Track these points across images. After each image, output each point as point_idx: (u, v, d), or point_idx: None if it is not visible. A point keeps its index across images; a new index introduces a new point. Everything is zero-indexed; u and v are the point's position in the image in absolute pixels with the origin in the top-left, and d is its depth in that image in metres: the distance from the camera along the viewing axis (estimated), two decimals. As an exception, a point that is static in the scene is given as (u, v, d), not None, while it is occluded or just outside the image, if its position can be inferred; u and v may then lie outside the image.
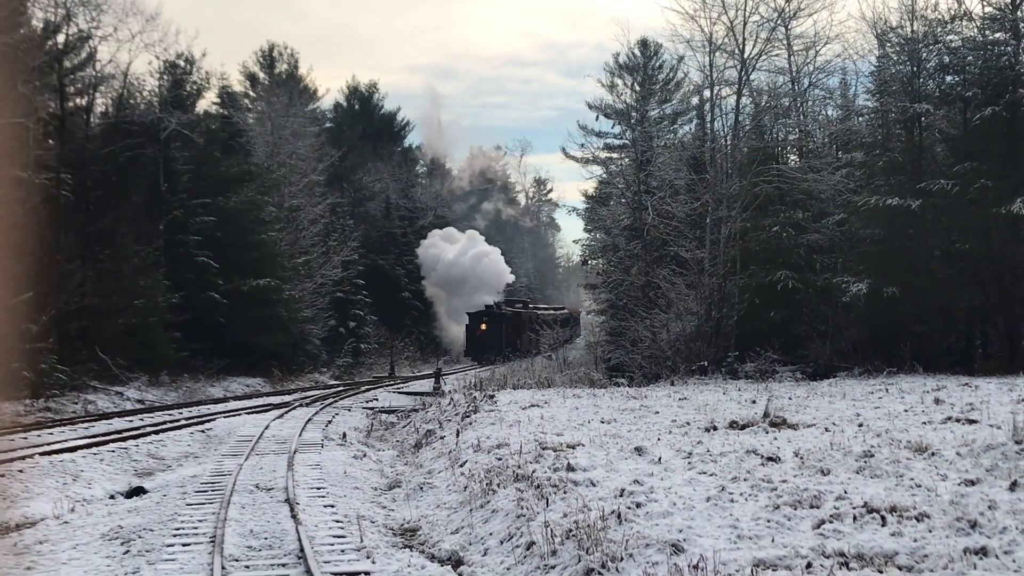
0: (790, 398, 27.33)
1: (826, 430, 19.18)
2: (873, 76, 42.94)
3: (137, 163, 50.52)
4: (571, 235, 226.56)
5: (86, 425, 30.76)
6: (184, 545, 13.60)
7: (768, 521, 11.65)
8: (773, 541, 10.92)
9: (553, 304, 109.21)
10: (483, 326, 77.20)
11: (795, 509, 12.05)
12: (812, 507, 12.13)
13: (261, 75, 78.59)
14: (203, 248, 50.58)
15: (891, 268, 36.97)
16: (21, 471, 20.27)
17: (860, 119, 44.88)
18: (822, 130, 46.36)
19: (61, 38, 46.91)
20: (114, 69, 50.26)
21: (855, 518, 11.48)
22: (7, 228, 38.84)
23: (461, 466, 18.88)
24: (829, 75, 44.94)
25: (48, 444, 24.78)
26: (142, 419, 33.08)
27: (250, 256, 52.98)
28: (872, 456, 15.19)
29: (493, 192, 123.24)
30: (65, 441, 25.53)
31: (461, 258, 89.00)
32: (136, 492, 19.10)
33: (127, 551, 13.62)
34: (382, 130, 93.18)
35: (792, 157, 46.49)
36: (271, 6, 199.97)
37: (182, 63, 54.67)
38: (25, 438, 26.93)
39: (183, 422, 31.13)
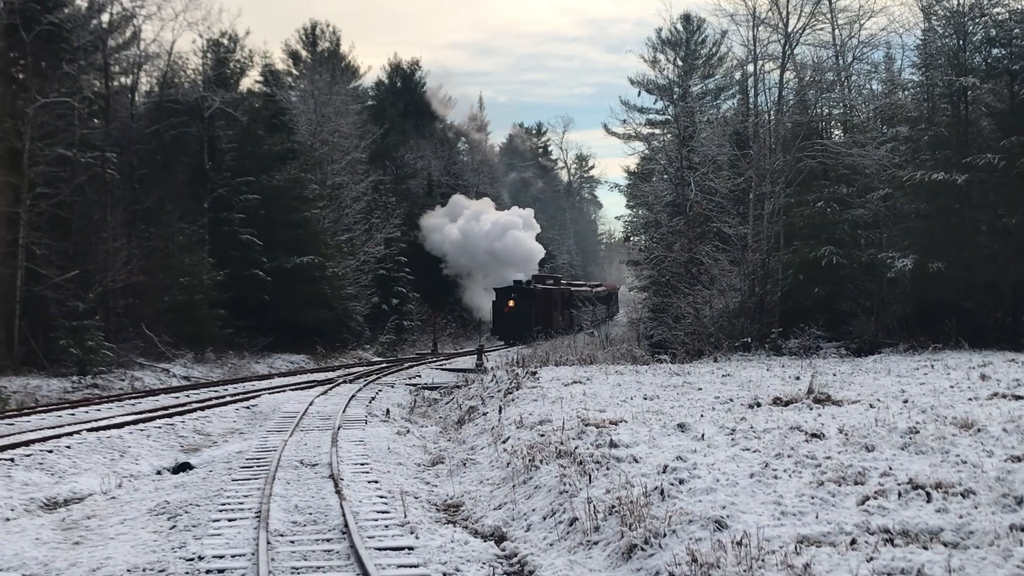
0: (834, 374, 27.19)
1: (871, 406, 19.07)
2: (918, 49, 42.45)
3: (181, 142, 50.85)
4: (613, 212, 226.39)
5: (133, 401, 31.09)
6: (230, 520, 13.72)
7: (812, 498, 11.61)
8: (817, 518, 10.89)
9: (590, 281, 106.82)
10: (511, 303, 71.55)
11: (839, 486, 12.01)
12: (856, 484, 12.08)
13: (304, 53, 78.83)
14: (247, 226, 50.85)
15: (936, 243, 36.64)
16: (69, 447, 20.51)
17: (905, 93, 44.42)
18: (867, 104, 45.92)
19: (106, 17, 47.26)
20: (158, 48, 50.68)
21: (900, 494, 11.43)
22: (54, 206, 39.23)
23: (504, 442, 18.92)
24: (874, 49, 44.56)
25: (95, 420, 25.07)
26: (188, 395, 33.38)
27: (294, 234, 53.22)
28: (917, 432, 15.10)
29: (534, 169, 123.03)
30: (112, 417, 25.81)
31: (476, 233, 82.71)
32: (182, 468, 19.28)
33: (173, 526, 13.75)
34: (424, 107, 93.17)
35: (836, 132, 46.11)
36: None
37: (225, 41, 54.97)
38: (73, 414, 27.26)
39: (228, 398, 31.38)
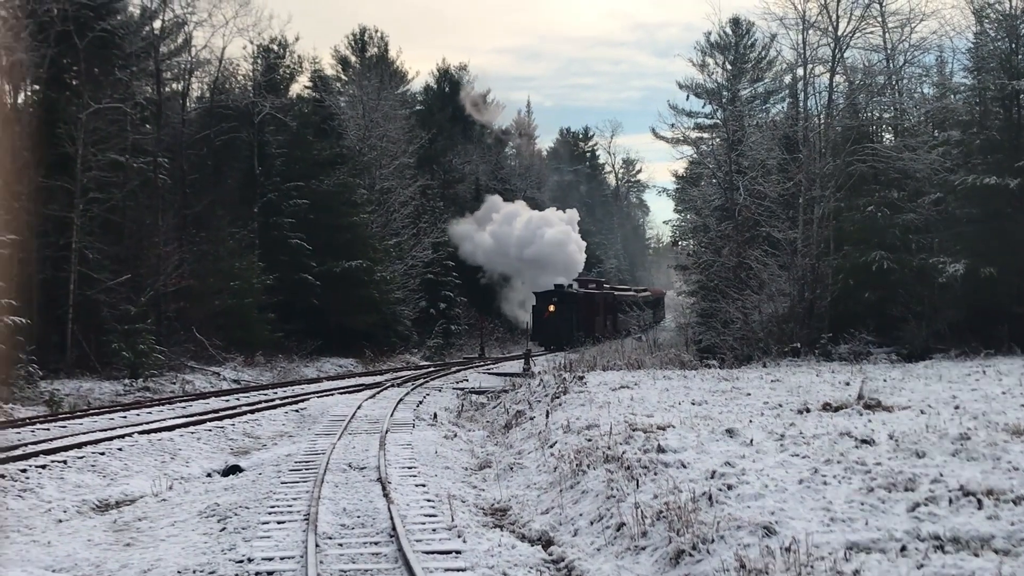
0: (885, 380, 26.99)
1: (921, 412, 18.91)
2: (970, 53, 42.09)
3: (232, 147, 51.30)
4: (661, 216, 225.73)
5: (183, 404, 31.35)
6: (279, 523, 13.80)
7: (862, 504, 11.54)
8: (867, 524, 10.81)
9: (635, 285, 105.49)
10: (551, 308, 68.26)
11: (889, 492, 11.92)
12: (907, 490, 11.99)
13: (352, 59, 79.18)
14: (296, 230, 51.19)
15: (989, 248, 36.31)
16: (121, 449, 20.72)
17: (957, 97, 44.03)
18: (918, 108, 45.53)
19: (157, 24, 47.75)
20: (209, 54, 51.14)
21: (951, 501, 11.34)
22: (106, 211, 39.64)
23: (551, 447, 18.91)
24: (925, 52, 44.20)
25: (147, 423, 25.31)
26: (238, 399, 33.63)
27: (342, 238, 53.50)
28: (968, 439, 14.96)
29: (581, 173, 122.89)
30: (163, 420, 26.06)
31: (508, 236, 79.33)
32: (232, 470, 19.41)
33: (223, 528, 13.86)
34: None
35: (887, 136, 45.76)
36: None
37: (275, 47, 55.41)
38: (124, 417, 27.53)
39: (278, 402, 31.59)
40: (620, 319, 78.03)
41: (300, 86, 60.67)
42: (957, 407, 19.60)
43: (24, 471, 17.93)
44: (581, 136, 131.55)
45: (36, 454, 19.41)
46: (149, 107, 45.79)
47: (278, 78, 55.37)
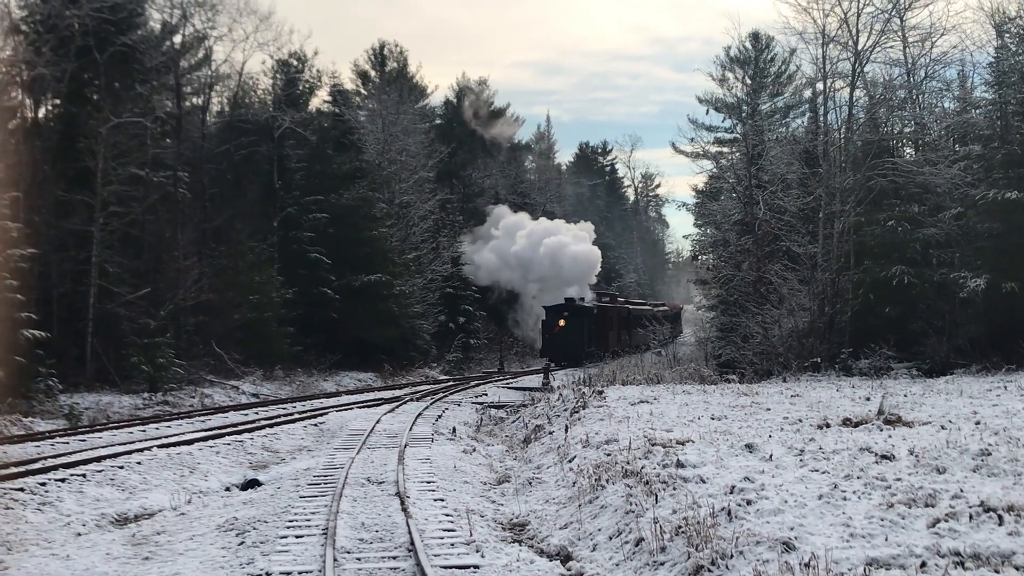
0: (905, 395, 26.89)
1: (942, 428, 18.83)
2: (991, 67, 41.93)
3: (252, 161, 51.46)
4: (680, 230, 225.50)
5: (202, 418, 31.40)
6: (297, 537, 13.80)
7: (882, 520, 11.48)
8: (887, 540, 10.75)
9: (652, 300, 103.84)
10: (561, 322, 65.49)
11: (909, 508, 11.86)
12: (927, 506, 11.93)
13: (372, 73, 79.43)
14: (316, 244, 51.32)
15: (1010, 263, 36.17)
16: (140, 463, 20.75)
17: (978, 111, 43.88)
18: (938, 123, 45.42)
19: (178, 39, 47.95)
20: (229, 69, 51.37)
21: (971, 517, 11.26)
22: (126, 225, 39.80)
23: (570, 461, 18.88)
24: (946, 67, 44.10)
25: (166, 437, 25.33)
26: (257, 413, 33.67)
27: (361, 252, 53.58)
28: (989, 454, 14.89)
29: (601, 188, 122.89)
30: (182, 434, 26.09)
31: (508, 251, 77.14)
32: (251, 484, 19.42)
33: (242, 542, 13.86)
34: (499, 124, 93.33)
35: (908, 150, 45.65)
36: (381, 2, 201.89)
37: (295, 62, 55.54)
38: (143, 431, 27.58)
39: (296, 416, 31.58)
40: (635, 334, 76.36)
41: (320, 100, 60.85)
42: (978, 423, 19.51)
43: (43, 485, 17.97)
44: (600, 150, 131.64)
45: (55, 468, 19.45)
46: (169, 121, 45.96)
47: (298, 92, 55.53)
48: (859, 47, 41.17)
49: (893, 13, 41.29)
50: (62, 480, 18.46)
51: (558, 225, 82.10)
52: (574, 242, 79.93)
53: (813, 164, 42.99)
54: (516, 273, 77.12)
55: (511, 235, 78.24)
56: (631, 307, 79.87)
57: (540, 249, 77.19)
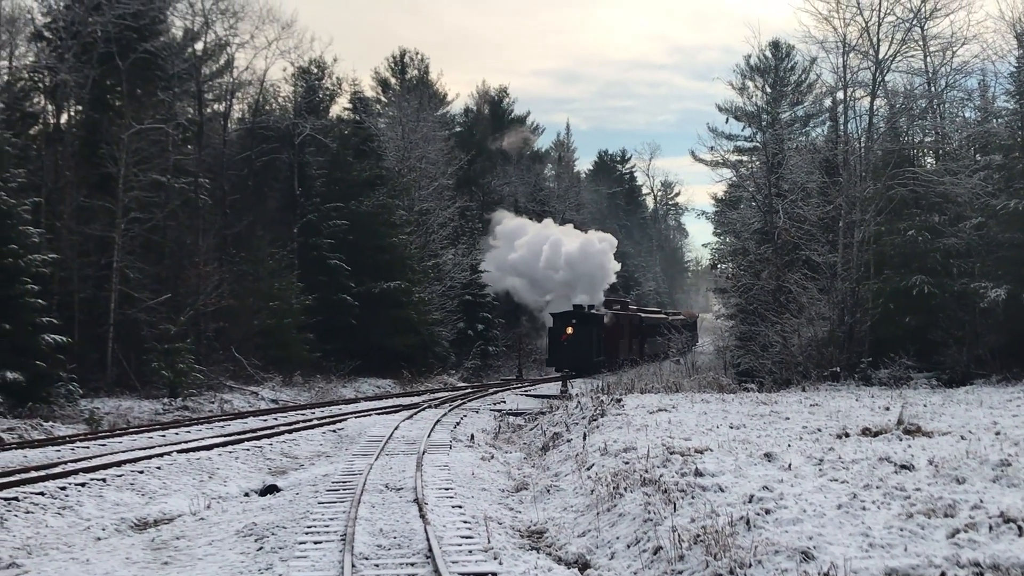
0: (925, 405, 26.79)
1: (962, 438, 18.76)
2: (1012, 77, 41.77)
3: (272, 168, 51.69)
4: (700, 239, 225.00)
5: (222, 424, 31.48)
6: (316, 543, 13.82)
7: (901, 530, 11.45)
8: (906, 550, 10.72)
9: (668, 308, 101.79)
10: (569, 330, 62.77)
11: (929, 518, 11.82)
12: (946, 516, 11.89)
13: (392, 80, 79.65)
14: (335, 251, 51.44)
15: (1031, 273, 36.02)
16: (159, 468, 20.82)
17: (999, 121, 43.69)
18: (959, 132, 45.23)
19: (200, 46, 48.18)
20: (250, 76, 51.59)
21: (991, 528, 11.23)
22: (147, 231, 39.98)
23: (588, 469, 18.86)
24: (967, 76, 43.91)
25: (185, 442, 25.41)
26: (276, 418, 33.73)
27: (381, 259, 53.69)
28: (1009, 465, 14.82)
29: (620, 196, 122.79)
30: (202, 439, 26.14)
31: (506, 260, 74.26)
32: (270, 490, 19.45)
33: (260, 548, 13.89)
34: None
35: (928, 160, 45.48)
36: (401, 10, 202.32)
37: (316, 69, 55.71)
38: (163, 435, 27.67)
39: (315, 422, 31.64)
40: (648, 343, 73.86)
41: (340, 107, 61.05)
42: (998, 433, 19.43)
43: (64, 489, 18.05)
44: (619, 158, 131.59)
45: (75, 472, 19.54)
46: (191, 128, 46.19)
47: (318, 99, 55.75)
48: (880, 56, 41.09)
49: (914, 22, 41.19)
50: (82, 484, 18.55)
51: (563, 230, 79.66)
52: (580, 248, 76.63)
53: (833, 173, 42.85)
54: (519, 281, 74.76)
55: (510, 242, 75.79)
56: (643, 315, 77.61)
57: (541, 259, 74.84)
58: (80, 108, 41.82)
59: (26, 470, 20.06)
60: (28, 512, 16.51)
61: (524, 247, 74.79)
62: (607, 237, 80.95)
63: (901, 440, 19.04)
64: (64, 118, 42.22)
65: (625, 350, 68.00)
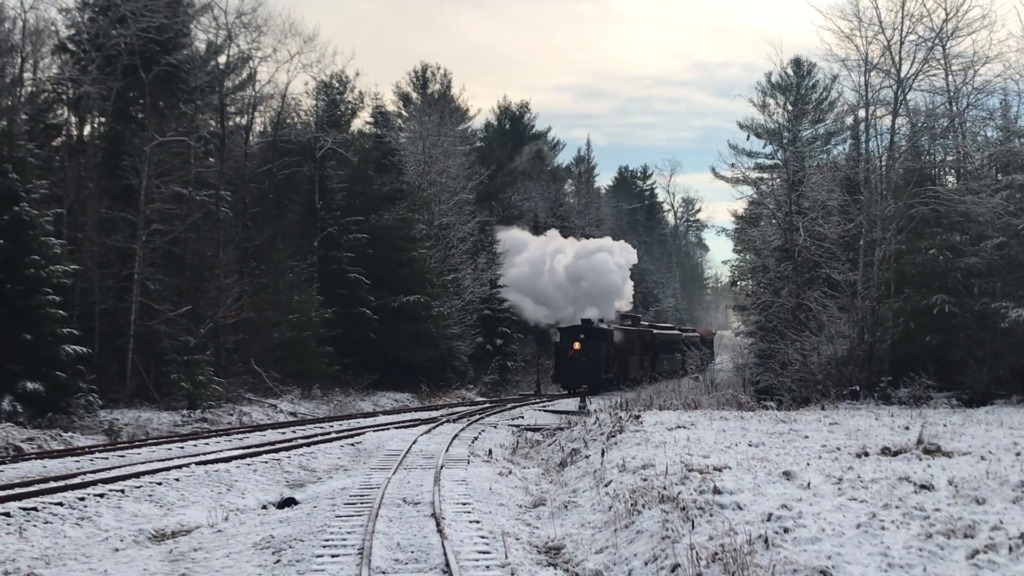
0: (945, 425, 26.65)
1: (982, 458, 18.65)
2: (1035, 96, 41.67)
3: (293, 181, 51.85)
4: (719, 256, 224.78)
5: (240, 436, 31.53)
6: (333, 556, 13.82)
7: (920, 550, 11.39)
8: (925, 571, 10.68)
9: (682, 325, 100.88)
10: (576, 345, 61.01)
11: (948, 539, 11.76)
12: (966, 537, 11.82)
13: (414, 95, 79.88)
14: (355, 264, 51.55)
15: (1053, 293, 35.87)
16: (178, 480, 20.87)
17: (1021, 140, 43.58)
18: (981, 151, 45.06)
19: (222, 59, 48.41)
20: (272, 89, 51.86)
21: (1011, 549, 11.16)
22: (168, 243, 40.13)
23: (606, 486, 18.82)
24: (988, 95, 43.77)
25: (204, 454, 25.46)
26: (294, 431, 33.77)
27: (400, 273, 53.77)
28: (1030, 486, 14.75)
29: (640, 212, 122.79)
30: (220, 451, 26.19)
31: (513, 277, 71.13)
32: (287, 503, 19.47)
33: (278, 560, 13.90)
34: (539, 154, 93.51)
35: (949, 179, 45.35)
36: (423, 26, 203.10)
37: (337, 83, 55.94)
38: (182, 447, 27.74)
39: (334, 435, 31.65)
40: (661, 360, 73.10)
41: (361, 121, 61.36)
42: (1018, 453, 19.31)
43: (82, 499, 18.12)
44: (640, 174, 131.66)
45: (94, 483, 19.62)
46: (212, 141, 46.40)
47: (340, 113, 55.98)
48: (902, 75, 41.04)
49: (936, 42, 41.13)
50: (101, 495, 18.61)
51: (569, 243, 76.88)
52: (585, 259, 73.50)
53: (854, 191, 42.79)
54: (522, 298, 71.14)
55: (510, 258, 72.20)
56: (656, 331, 76.06)
57: (544, 274, 72.96)
58: (103, 120, 42.04)
59: (45, 480, 20.15)
60: (47, 522, 16.58)
61: (525, 263, 72.86)
62: (624, 247, 78.98)
63: (921, 460, 18.95)
64: (87, 130, 42.48)
65: (636, 367, 66.90)
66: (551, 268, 73.34)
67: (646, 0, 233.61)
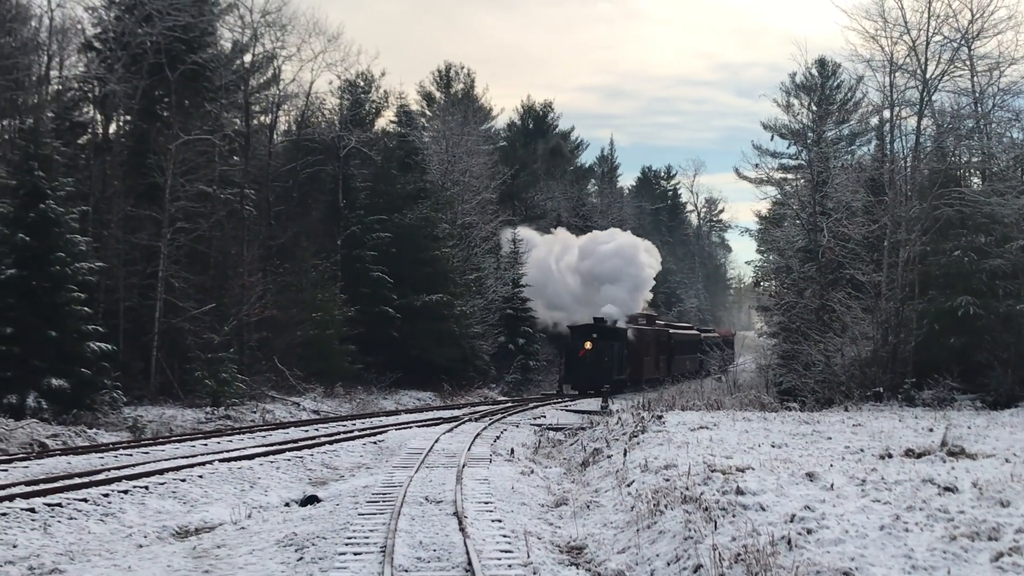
0: (969, 427, 26.55)
1: (1006, 461, 18.58)
2: (1061, 98, 41.45)
3: (317, 180, 51.99)
4: (743, 256, 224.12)
5: (263, 433, 31.64)
6: (355, 554, 13.84)
7: (944, 552, 11.35)
8: (949, 573, 10.65)
9: (700, 325, 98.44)
10: (588, 345, 58.39)
11: (972, 541, 11.72)
12: (990, 539, 11.78)
13: (438, 94, 79.96)
14: (378, 263, 51.60)
15: (1079, 295, 35.68)
16: (201, 476, 20.97)
17: (1047, 142, 43.36)
18: (1006, 152, 44.81)
19: (248, 58, 48.54)
20: (297, 88, 52.00)
21: (1035, 552, 11.13)
22: (192, 241, 40.27)
23: (628, 486, 18.79)
24: (1014, 96, 43.53)
25: (227, 451, 25.57)
26: (317, 429, 33.87)
27: (423, 272, 53.82)
28: (1055, 488, 14.69)
29: (663, 212, 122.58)
30: (243, 449, 26.31)
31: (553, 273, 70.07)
32: (310, 500, 19.51)
33: (300, 558, 13.93)
34: (555, 149, 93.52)
35: (975, 180, 45.14)
36: (446, 26, 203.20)
37: (362, 82, 55.99)
38: (205, 444, 27.86)
39: (356, 433, 31.73)
40: (677, 362, 71.05)
41: (385, 121, 61.41)
42: (1043, 455, 19.24)
43: (107, 496, 18.22)
44: (663, 174, 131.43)
45: (119, 479, 19.72)
46: (237, 139, 46.54)
47: (364, 112, 56.06)
48: (927, 76, 40.86)
49: (961, 42, 40.94)
50: (125, 492, 18.71)
51: (572, 243, 74.60)
52: (595, 254, 71.83)
53: (878, 192, 42.61)
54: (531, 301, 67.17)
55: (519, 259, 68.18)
56: (672, 331, 73.50)
57: (552, 274, 70.60)
58: (128, 118, 42.23)
59: (70, 476, 20.25)
60: (71, 518, 16.67)
61: (533, 265, 69.14)
62: (650, 247, 77.23)
63: (945, 462, 18.89)
64: (113, 128, 42.69)
65: (650, 368, 64.89)
66: (559, 269, 72.14)
67: (670, 0, 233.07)
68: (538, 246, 71.90)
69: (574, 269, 72.60)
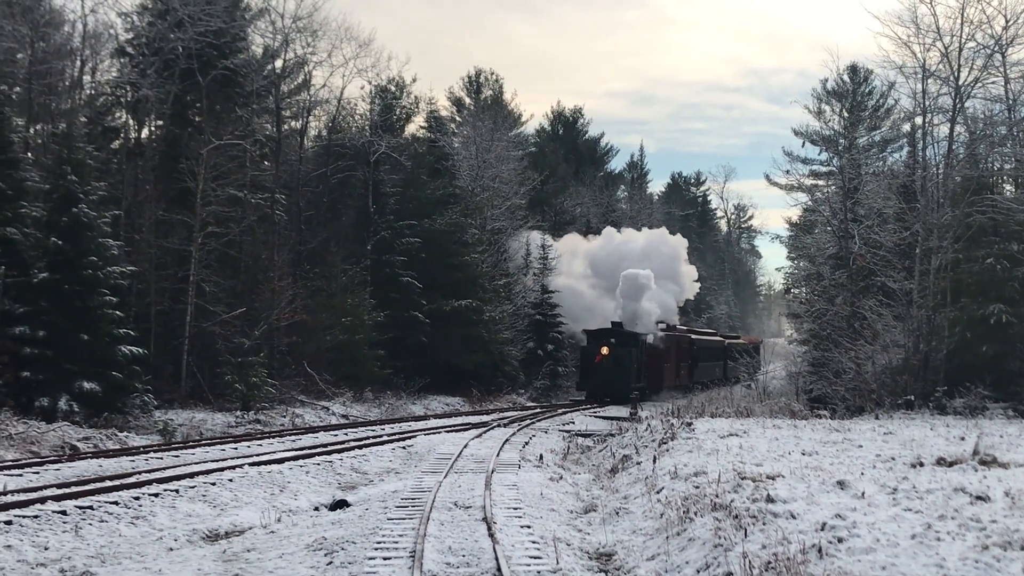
0: (1001, 436, 26.36)
1: (1039, 470, 18.45)
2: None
3: (347, 185, 52.13)
4: (773, 263, 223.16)
5: (293, 438, 31.73)
6: (385, 559, 13.87)
7: (976, 562, 11.26)
8: (981, 583, 10.57)
9: (727, 332, 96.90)
10: (604, 350, 55.83)
11: (1005, 550, 11.62)
12: (1023, 549, 11.68)
13: (467, 100, 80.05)
14: (408, 268, 51.66)
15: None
16: (231, 480, 21.03)
17: (1081, 149, 43.03)
18: (1040, 160, 44.59)
19: (279, 63, 48.69)
20: (328, 93, 52.16)
21: (1069, 562, 11.03)
22: (223, 245, 40.47)
23: (657, 492, 18.75)
24: (1048, 104, 43.25)
25: (257, 455, 25.64)
26: (346, 434, 33.94)
27: (453, 277, 53.86)
28: (1088, 498, 14.56)
29: (693, 218, 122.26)
30: (273, 452, 26.37)
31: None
32: (340, 505, 19.55)
33: (330, 562, 13.96)
34: (585, 155, 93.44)
35: (1007, 187, 44.87)
36: (475, 32, 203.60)
37: (393, 88, 56.14)
38: (235, 448, 27.97)
39: (385, 438, 31.78)
40: (699, 369, 68.77)
41: (415, 126, 61.56)
42: (1077, 466, 19.09)
43: (137, 499, 18.30)
44: (693, 180, 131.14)
45: (149, 482, 19.82)
46: (268, 144, 46.73)
47: (394, 118, 56.22)
48: (960, 82, 40.56)
49: (995, 49, 40.66)
50: (155, 495, 18.80)
51: (580, 247, 72.79)
52: (609, 254, 70.45)
53: (910, 199, 42.38)
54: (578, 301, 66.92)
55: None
56: (695, 337, 71.17)
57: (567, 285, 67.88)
58: (160, 123, 42.52)
59: (101, 479, 20.37)
60: (102, 521, 16.75)
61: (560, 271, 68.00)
62: (680, 242, 75.12)
63: (976, 471, 18.76)
64: (145, 133, 43.00)
65: (671, 376, 63.07)
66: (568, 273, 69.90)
67: (699, 6, 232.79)
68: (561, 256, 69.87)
69: (585, 273, 70.72)
